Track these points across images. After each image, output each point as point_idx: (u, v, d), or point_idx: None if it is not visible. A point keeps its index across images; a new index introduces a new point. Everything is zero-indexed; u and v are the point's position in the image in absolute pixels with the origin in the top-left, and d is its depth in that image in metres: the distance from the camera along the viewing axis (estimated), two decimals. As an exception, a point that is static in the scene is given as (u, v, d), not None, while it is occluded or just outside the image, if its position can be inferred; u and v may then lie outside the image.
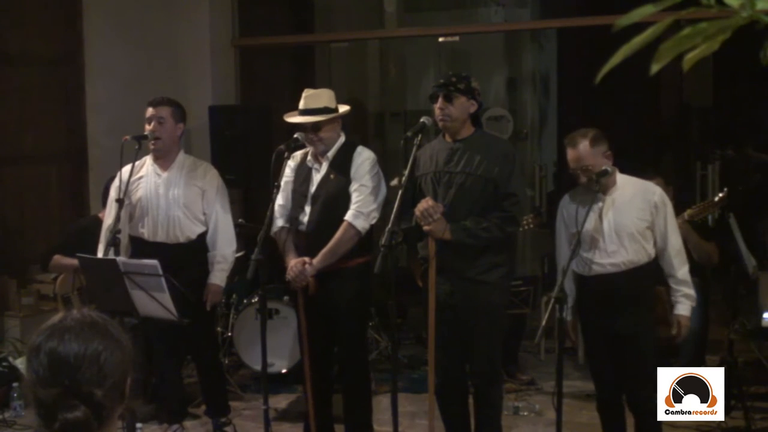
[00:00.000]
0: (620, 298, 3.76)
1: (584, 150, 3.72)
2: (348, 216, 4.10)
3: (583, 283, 3.89)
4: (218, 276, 4.58)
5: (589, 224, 3.75)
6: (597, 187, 3.69)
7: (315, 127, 4.14)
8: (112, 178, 4.68)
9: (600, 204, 3.77)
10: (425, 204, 3.80)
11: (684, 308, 3.81)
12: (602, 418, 4.05)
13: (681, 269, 3.81)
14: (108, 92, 6.30)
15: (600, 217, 3.77)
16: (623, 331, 3.77)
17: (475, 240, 3.81)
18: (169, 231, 4.53)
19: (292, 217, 4.25)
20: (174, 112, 4.57)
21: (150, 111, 4.53)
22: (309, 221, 4.19)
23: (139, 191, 4.55)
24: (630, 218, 3.75)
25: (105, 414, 1.58)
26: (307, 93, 4.24)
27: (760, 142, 8.31)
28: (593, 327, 3.93)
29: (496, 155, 3.90)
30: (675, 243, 3.82)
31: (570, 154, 3.76)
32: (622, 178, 3.84)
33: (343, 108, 4.27)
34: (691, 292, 3.82)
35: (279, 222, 4.25)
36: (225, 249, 4.61)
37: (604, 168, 3.71)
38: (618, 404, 3.99)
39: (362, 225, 4.12)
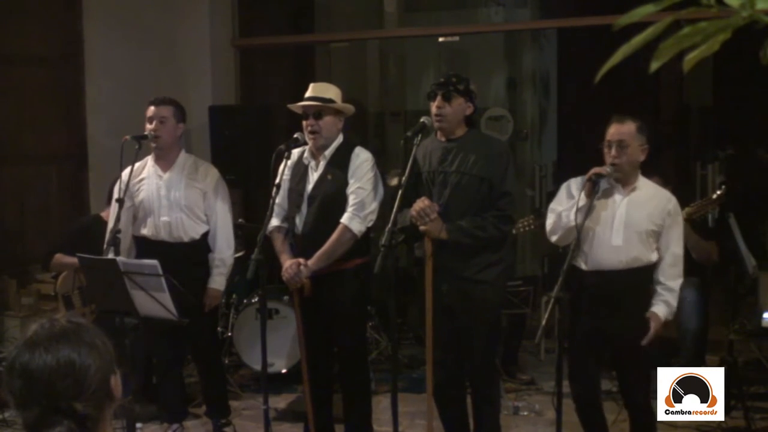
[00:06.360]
0: (618, 296, 3.72)
1: (629, 129, 3.74)
2: (344, 219, 4.08)
3: (581, 278, 3.82)
4: (217, 280, 4.59)
5: (597, 216, 3.74)
6: (597, 188, 3.68)
7: (317, 114, 4.12)
8: (117, 179, 4.68)
9: (614, 197, 3.76)
10: (421, 204, 3.79)
11: (660, 309, 3.71)
12: (582, 421, 3.97)
13: (672, 280, 3.74)
14: (108, 92, 6.30)
15: (612, 210, 3.75)
16: (619, 332, 3.73)
17: (472, 239, 3.81)
18: (173, 232, 4.54)
19: (288, 218, 4.24)
20: (175, 112, 4.58)
21: (151, 110, 4.53)
22: (305, 223, 4.17)
23: (142, 193, 4.56)
24: (642, 217, 3.73)
25: (90, 423, 1.57)
26: (315, 84, 4.26)
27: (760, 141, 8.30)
28: (584, 325, 3.82)
29: (491, 154, 3.90)
30: (675, 252, 3.76)
31: (614, 128, 3.76)
32: (642, 180, 3.83)
33: (348, 106, 4.27)
34: (674, 303, 3.73)
35: (274, 221, 4.22)
36: (223, 252, 4.61)
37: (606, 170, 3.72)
38: (597, 405, 3.95)
39: (358, 228, 4.09)
